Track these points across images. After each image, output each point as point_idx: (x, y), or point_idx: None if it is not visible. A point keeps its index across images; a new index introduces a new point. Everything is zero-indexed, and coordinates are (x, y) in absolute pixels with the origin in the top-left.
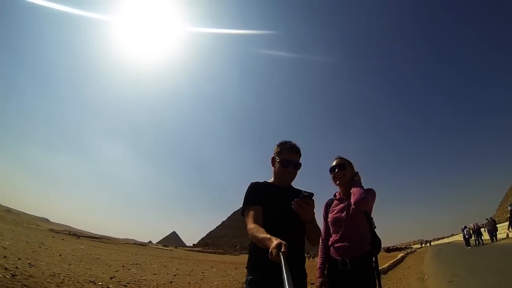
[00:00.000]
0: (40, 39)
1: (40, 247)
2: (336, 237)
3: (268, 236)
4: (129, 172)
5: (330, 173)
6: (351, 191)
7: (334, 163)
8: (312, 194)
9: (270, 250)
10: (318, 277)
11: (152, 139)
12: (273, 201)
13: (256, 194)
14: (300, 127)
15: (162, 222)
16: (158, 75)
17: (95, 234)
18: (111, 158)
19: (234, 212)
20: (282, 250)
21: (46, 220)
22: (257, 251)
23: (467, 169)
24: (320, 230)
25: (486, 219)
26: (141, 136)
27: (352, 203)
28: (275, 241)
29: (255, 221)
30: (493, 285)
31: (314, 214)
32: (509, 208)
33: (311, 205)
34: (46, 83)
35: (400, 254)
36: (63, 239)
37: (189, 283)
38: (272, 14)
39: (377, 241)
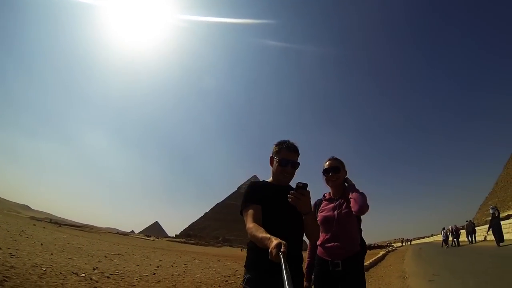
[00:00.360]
0: (24, 21)
1: (21, 235)
2: (327, 237)
3: (268, 235)
4: (113, 161)
5: (323, 175)
6: (350, 197)
7: (328, 165)
8: (306, 185)
9: (270, 249)
10: (304, 280)
11: (138, 128)
12: (272, 200)
13: (255, 193)
14: (287, 121)
15: (145, 212)
16: (147, 63)
17: (76, 222)
18: (96, 146)
19: (217, 204)
20: (282, 250)
21: (27, 207)
22: (255, 249)
23: (450, 171)
24: (319, 225)
25: (466, 221)
26: (127, 125)
27: (355, 210)
28: (274, 241)
29: (254, 220)
30: (473, 286)
31: (310, 205)
32: (490, 211)
33: (307, 195)
34: (30, 67)
35: (382, 252)
36: (44, 228)
37: (172, 275)
38: (263, 3)
39: (363, 242)
